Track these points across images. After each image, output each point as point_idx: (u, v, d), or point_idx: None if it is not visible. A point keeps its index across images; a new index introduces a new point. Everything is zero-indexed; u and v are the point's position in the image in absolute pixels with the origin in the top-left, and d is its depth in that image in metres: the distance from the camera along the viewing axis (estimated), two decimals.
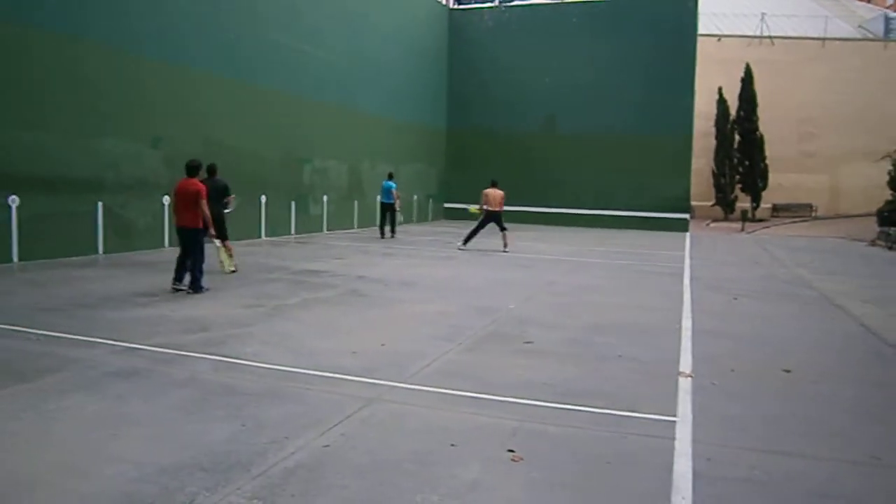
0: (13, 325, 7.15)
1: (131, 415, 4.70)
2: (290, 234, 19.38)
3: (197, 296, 9.24)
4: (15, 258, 11.70)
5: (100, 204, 13.31)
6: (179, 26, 15.11)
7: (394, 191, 19.70)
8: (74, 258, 12.43)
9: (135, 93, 14.05)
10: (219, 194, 10.86)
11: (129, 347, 6.42)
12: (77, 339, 6.65)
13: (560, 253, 17.35)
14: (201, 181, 9.63)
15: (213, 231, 9.84)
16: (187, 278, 9.51)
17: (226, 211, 11.17)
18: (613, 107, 27.42)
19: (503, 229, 16.72)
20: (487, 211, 16.64)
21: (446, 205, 29.91)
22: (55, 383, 5.31)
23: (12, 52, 11.61)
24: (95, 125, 13.19)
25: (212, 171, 11.06)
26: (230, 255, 11.24)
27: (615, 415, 5.05)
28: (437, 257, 15.20)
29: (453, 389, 5.51)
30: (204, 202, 9.38)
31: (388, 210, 19.82)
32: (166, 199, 14.77)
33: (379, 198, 20.74)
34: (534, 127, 28.80)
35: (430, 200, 29.02)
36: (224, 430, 4.45)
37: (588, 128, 27.89)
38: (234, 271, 11.20)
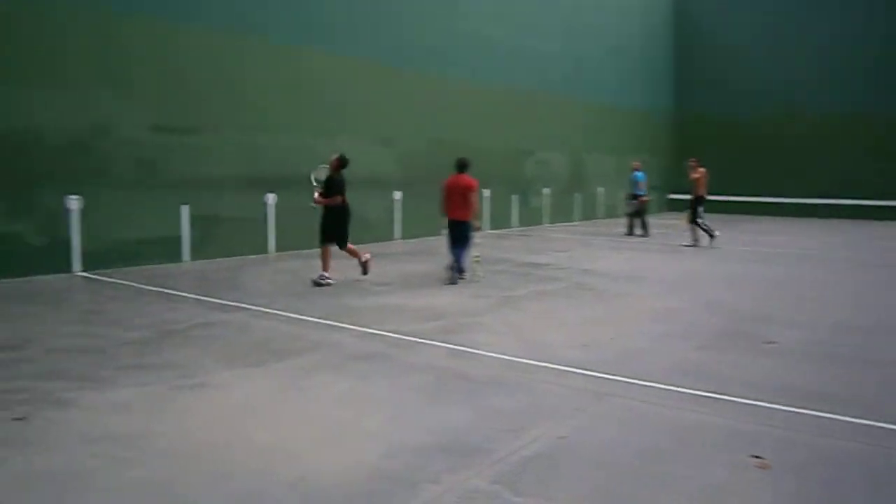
0: (269, 308, 7.96)
1: (376, 395, 5.02)
2: (511, 226, 19.68)
3: (431, 286, 9.68)
4: (272, 249, 13.07)
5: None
6: (403, 30, 15.89)
7: (641, 182, 17.77)
8: (316, 249, 13.55)
9: (370, 96, 15.02)
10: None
11: (370, 332, 6.88)
12: (324, 324, 7.25)
13: (799, 246, 15.91)
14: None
15: (478, 223, 10.52)
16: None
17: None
18: (863, 82, 24.56)
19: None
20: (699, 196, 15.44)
21: (671, 196, 28.70)
22: (307, 363, 5.83)
23: (260, 63, 12.92)
24: (335, 127, 14.29)
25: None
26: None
27: (876, 427, 4.52)
28: (664, 251, 14.62)
29: (689, 388, 5.26)
30: (475, 195, 10.14)
31: (637, 204, 17.79)
32: (398, 195, 15.64)
33: (626, 192, 18.80)
34: (767, 110, 26.63)
35: (655, 192, 27.99)
36: (461, 416, 4.60)
37: (831, 107, 25.22)
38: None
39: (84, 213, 10.35)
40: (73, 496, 3.41)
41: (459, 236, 10.17)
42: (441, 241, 10.87)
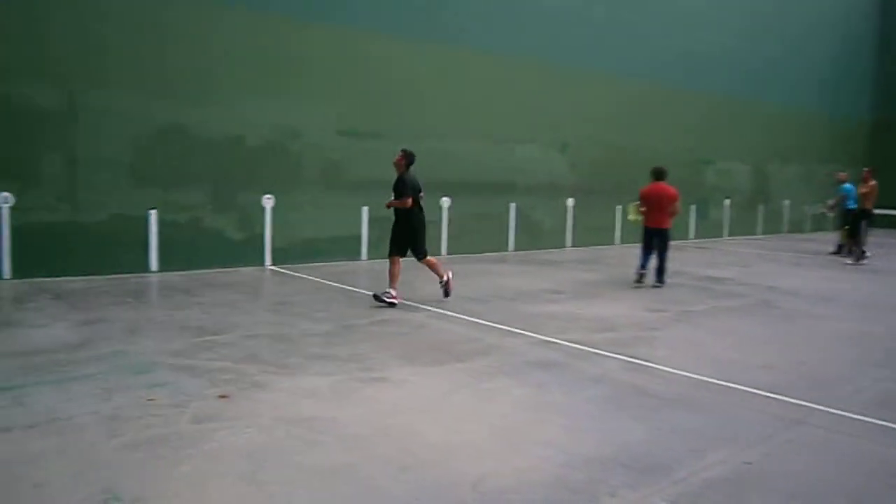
0: (449, 310, 8.16)
1: (553, 404, 5.00)
2: (688, 238, 18.89)
3: (604, 296, 9.51)
4: (444, 252, 13.41)
5: (512, 205, 14.52)
6: (581, 30, 15.72)
7: (851, 194, 15.44)
8: (489, 254, 13.78)
9: (545, 100, 15.00)
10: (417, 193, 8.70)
11: (545, 340, 6.86)
12: (500, 328, 7.32)
13: None
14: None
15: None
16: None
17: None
18: None
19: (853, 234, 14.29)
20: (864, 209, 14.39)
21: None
22: (485, 366, 5.91)
23: (410, 65, 13.29)
24: (512, 134, 14.41)
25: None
26: None
27: None
28: (858, 270, 13.42)
29: (890, 422, 4.79)
30: (678, 204, 10.45)
31: (854, 218, 15.16)
32: (570, 202, 15.52)
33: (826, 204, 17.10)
34: None
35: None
36: (640, 431, 4.48)
37: None
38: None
39: (276, 211, 11.16)
40: (272, 472, 3.68)
41: (660, 244, 10.46)
42: (613, 251, 10.65)
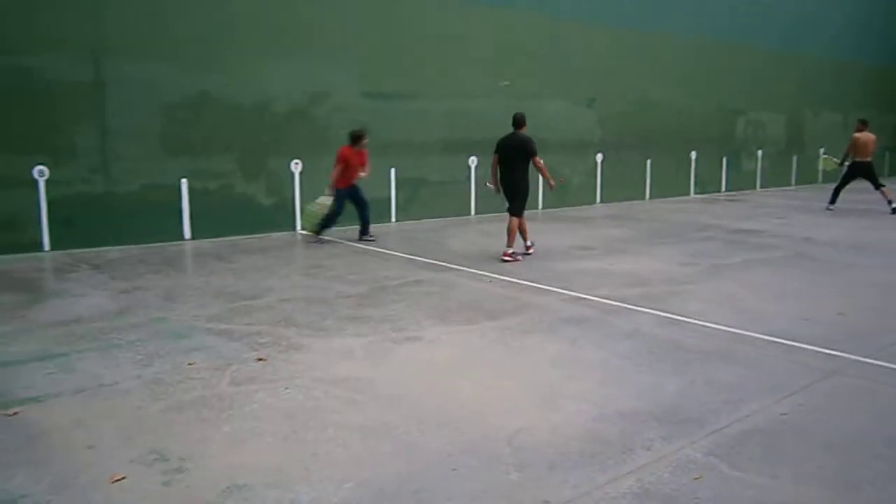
0: (478, 269, 8.18)
1: (586, 359, 5.02)
2: (720, 191, 18.61)
3: (635, 252, 9.46)
4: (473, 212, 13.40)
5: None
6: None
7: None
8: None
9: (571, 56, 14.74)
10: (515, 155, 8.85)
11: (577, 297, 6.86)
12: (531, 286, 7.34)
13: None
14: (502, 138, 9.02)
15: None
16: None
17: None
18: None
19: (879, 186, 13.88)
20: (854, 161, 13.99)
21: None
22: (517, 323, 5.94)
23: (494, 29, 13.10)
24: (538, 90, 14.22)
25: (517, 123, 8.98)
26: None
27: None
28: (892, 218, 13.14)
29: None
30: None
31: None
32: (599, 157, 15.35)
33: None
34: None
35: (886, 154, 25.13)
36: (674, 384, 4.49)
37: None
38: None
39: (304, 175, 11.20)
40: (312, 431, 3.77)
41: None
42: (643, 206, 10.53)
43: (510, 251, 8.80)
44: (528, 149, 8.72)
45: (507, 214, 8.96)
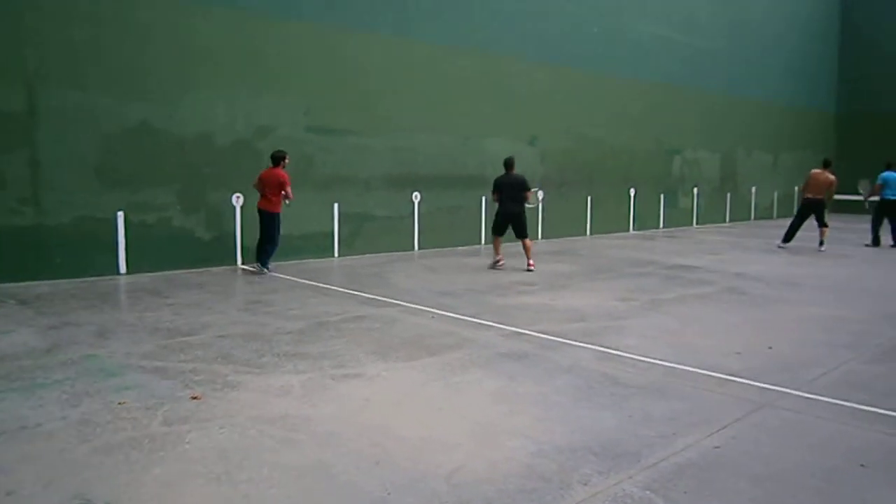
0: (420, 304, 8.18)
1: (525, 394, 5.04)
2: (658, 227, 19.10)
3: (575, 287, 9.59)
4: (416, 247, 13.41)
5: (483, 198, 14.55)
6: (548, 26, 15.79)
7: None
8: (460, 247, 13.81)
9: (513, 95, 15.05)
10: (515, 190, 10.98)
11: (517, 332, 6.91)
12: (472, 321, 7.36)
13: None
14: (499, 177, 11.16)
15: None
16: None
17: (528, 206, 11.19)
18: None
19: (823, 224, 14.22)
20: (805, 199, 14.46)
21: (835, 196, 26.73)
22: (457, 359, 5.94)
23: (409, 63, 13.27)
24: (481, 127, 14.44)
25: (508, 165, 11.16)
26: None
27: None
28: (825, 254, 13.68)
29: (859, 403, 4.90)
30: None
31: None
32: (540, 194, 15.60)
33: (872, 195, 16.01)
34: None
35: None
36: (611, 419, 4.54)
37: None
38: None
39: (245, 209, 11.07)
40: (246, 471, 3.67)
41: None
42: (584, 242, 10.73)
43: (531, 262, 11.03)
44: (525, 185, 11.02)
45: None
